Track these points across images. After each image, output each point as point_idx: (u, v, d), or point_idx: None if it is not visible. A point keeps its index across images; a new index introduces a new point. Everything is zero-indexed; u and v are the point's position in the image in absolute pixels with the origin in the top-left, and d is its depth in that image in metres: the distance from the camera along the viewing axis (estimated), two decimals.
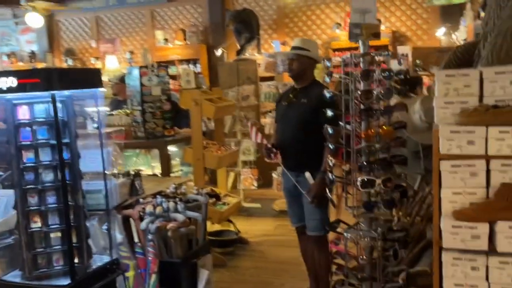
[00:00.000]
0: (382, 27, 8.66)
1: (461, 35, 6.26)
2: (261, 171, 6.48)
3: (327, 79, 2.29)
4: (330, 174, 2.39)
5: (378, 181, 2.14)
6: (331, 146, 2.36)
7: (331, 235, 2.81)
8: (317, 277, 3.61)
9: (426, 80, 5.64)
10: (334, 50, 8.69)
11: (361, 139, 2.24)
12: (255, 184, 6.45)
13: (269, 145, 3.59)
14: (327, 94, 2.29)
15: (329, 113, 2.32)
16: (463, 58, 2.61)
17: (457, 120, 1.82)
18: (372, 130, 2.17)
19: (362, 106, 2.23)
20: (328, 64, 2.32)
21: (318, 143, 3.43)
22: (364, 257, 2.27)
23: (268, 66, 6.14)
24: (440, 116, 1.90)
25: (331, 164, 2.37)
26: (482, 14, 5.87)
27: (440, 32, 7.69)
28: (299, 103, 3.52)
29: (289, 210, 3.74)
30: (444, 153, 1.81)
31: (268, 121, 6.31)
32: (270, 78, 7.59)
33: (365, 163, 2.19)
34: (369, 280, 2.26)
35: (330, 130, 2.37)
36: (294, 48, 3.54)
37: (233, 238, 4.99)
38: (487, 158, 1.78)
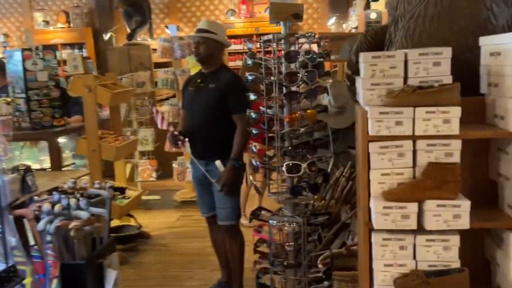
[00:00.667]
0: None
1: (353, 23, 6.52)
2: (160, 162, 6.24)
3: (249, 62, 2.18)
4: (253, 160, 2.30)
5: (304, 165, 2.09)
6: (254, 131, 2.25)
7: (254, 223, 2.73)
8: (229, 267, 3.53)
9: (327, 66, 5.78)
10: (230, 37, 8.64)
11: (283, 123, 2.17)
12: (154, 175, 6.19)
13: (175, 132, 3.42)
14: (249, 77, 2.18)
15: (252, 97, 2.21)
16: (373, 42, 2.65)
17: (384, 101, 1.82)
18: (297, 114, 2.11)
19: (284, 89, 2.16)
20: (250, 46, 2.20)
21: (228, 129, 3.34)
22: (289, 243, 2.22)
23: (165, 51, 5.87)
24: (367, 98, 1.89)
25: (255, 150, 2.27)
26: (373, 3, 6.16)
27: (331, 21, 7.97)
28: (207, 88, 3.39)
29: (199, 200, 3.60)
30: (373, 134, 1.80)
31: (166, 109, 6.05)
32: (165, 65, 7.31)
33: (290, 147, 2.13)
34: (294, 266, 2.22)
35: (253, 115, 2.26)
36: (200, 30, 3.38)
37: (135, 233, 4.74)
38: (414, 139, 1.80)
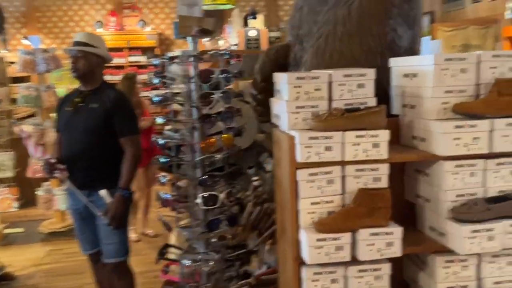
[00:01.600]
0: (148, 29, 8.42)
1: (233, 40, 6.46)
2: (22, 189, 5.51)
3: (156, 81, 1.90)
4: (161, 193, 2.01)
5: (221, 195, 1.87)
6: (162, 160, 1.97)
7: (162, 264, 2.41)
8: None
9: None
10: None
11: (194, 149, 1.93)
12: (15, 205, 5.43)
13: (52, 160, 2.96)
14: (155, 98, 1.91)
15: (159, 120, 1.94)
16: (276, 60, 2.55)
17: (312, 126, 1.69)
18: (212, 139, 1.89)
19: (195, 112, 1.93)
20: (156, 62, 1.92)
21: (114, 154, 3.00)
22: (206, 285, 1.98)
23: (26, 64, 5.20)
24: (292, 122, 1.75)
25: (164, 180, 1.99)
26: (252, 21, 6.17)
27: (205, 38, 7.85)
28: (88, 108, 3.00)
29: (80, 236, 3.16)
30: (303, 161, 1.66)
31: (29, 129, 5.36)
32: (23, 80, 6.55)
33: (206, 176, 1.89)
34: None
35: (160, 140, 1.98)
36: (78, 43, 3.00)
37: None
38: (343, 164, 1.70)
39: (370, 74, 1.77)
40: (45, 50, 5.53)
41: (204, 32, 1.90)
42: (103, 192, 2.88)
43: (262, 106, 2.55)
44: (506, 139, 1.70)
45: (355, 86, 1.76)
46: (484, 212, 1.69)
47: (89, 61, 2.99)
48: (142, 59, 8.46)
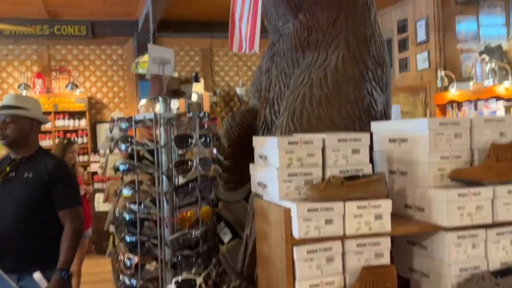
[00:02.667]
0: (77, 92, 8.04)
1: (173, 105, 6.29)
2: None
3: (123, 147, 1.64)
4: (125, 278, 1.69)
5: (199, 279, 1.60)
6: (128, 238, 1.68)
7: None
8: None
9: None
10: None
11: (163, 225, 1.67)
12: None
13: None
14: (121, 166, 1.64)
15: (126, 191, 1.67)
16: (244, 124, 2.39)
17: (309, 196, 1.51)
18: (189, 213, 1.64)
19: (165, 183, 1.68)
20: (124, 126, 1.67)
21: (52, 229, 2.65)
22: None
23: None
24: (283, 191, 1.56)
25: (129, 264, 1.68)
26: (194, 85, 6.06)
27: (141, 102, 7.61)
28: (21, 179, 2.68)
29: None
30: (301, 237, 1.46)
31: None
32: None
33: (180, 257, 1.62)
34: None
35: (127, 216, 1.70)
36: (6, 107, 2.70)
37: None
38: (344, 239, 1.52)
39: (365, 139, 1.64)
40: None
41: (177, 93, 1.70)
42: (37, 275, 2.53)
43: (229, 173, 2.35)
44: (508, 208, 1.62)
45: (350, 151, 1.62)
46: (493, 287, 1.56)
47: (20, 126, 2.70)
48: (70, 123, 8.01)
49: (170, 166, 1.62)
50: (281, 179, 1.56)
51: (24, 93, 7.73)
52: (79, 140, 7.88)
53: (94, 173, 7.53)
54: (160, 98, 1.70)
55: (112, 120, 1.70)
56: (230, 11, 2.24)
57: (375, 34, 2.26)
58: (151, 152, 1.70)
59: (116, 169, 1.61)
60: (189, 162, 1.60)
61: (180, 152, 1.66)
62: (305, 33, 2.27)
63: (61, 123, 7.94)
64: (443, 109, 6.53)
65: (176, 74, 5.76)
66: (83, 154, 7.93)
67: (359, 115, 2.08)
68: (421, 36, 7.21)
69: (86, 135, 8.03)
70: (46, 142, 7.80)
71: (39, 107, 2.99)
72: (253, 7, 2.13)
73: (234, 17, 2.25)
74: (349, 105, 2.07)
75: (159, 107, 1.89)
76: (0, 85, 8.08)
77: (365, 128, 2.06)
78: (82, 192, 4.29)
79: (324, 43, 2.21)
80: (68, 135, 7.91)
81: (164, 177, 1.67)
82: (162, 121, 1.66)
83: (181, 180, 1.72)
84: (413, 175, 1.72)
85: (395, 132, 1.82)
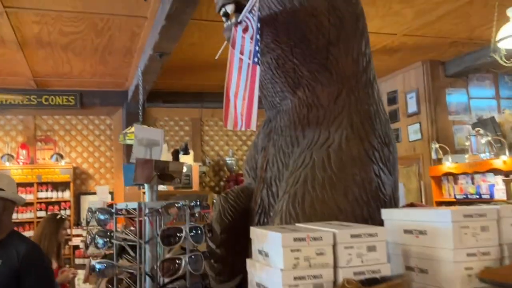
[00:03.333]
0: (62, 163, 7.81)
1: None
2: None
3: (101, 242, 1.40)
4: None
5: None
6: None
7: None
8: None
9: None
10: None
11: None
12: None
13: None
14: (97, 265, 1.40)
15: None
16: (238, 207, 2.17)
17: None
18: None
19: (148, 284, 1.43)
20: (102, 217, 1.44)
21: None
22: None
23: None
24: None
25: None
26: (184, 157, 5.86)
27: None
28: None
29: None
30: None
31: None
32: None
33: None
34: None
35: None
36: None
37: None
38: None
39: (382, 234, 1.43)
40: None
41: (166, 178, 1.50)
42: None
43: (222, 264, 2.11)
44: None
45: (365, 249, 1.40)
46: None
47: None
48: (53, 194, 7.71)
49: (155, 266, 1.39)
50: (286, 283, 1.33)
51: (7, 164, 7.49)
52: (62, 212, 7.55)
53: (76, 247, 7.15)
54: (146, 185, 1.49)
55: (90, 210, 1.48)
56: (224, 86, 2.09)
57: (379, 112, 2.11)
58: (133, 246, 1.46)
59: (92, 270, 1.37)
60: (177, 260, 1.37)
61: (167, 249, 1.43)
62: (305, 110, 2.12)
63: (44, 194, 7.65)
64: (438, 181, 6.39)
65: (165, 149, 5.56)
66: None
67: (367, 200, 1.88)
68: (412, 108, 7.21)
69: (70, 207, 7.72)
70: (28, 215, 7.47)
71: (14, 186, 2.78)
72: (249, 84, 1.99)
73: (228, 93, 2.10)
74: (356, 189, 1.88)
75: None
76: None
77: (374, 214, 1.86)
78: (64, 278, 3.94)
79: (326, 121, 2.05)
80: (50, 207, 7.60)
81: (147, 277, 1.43)
82: (147, 211, 1.44)
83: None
84: (436, 274, 1.49)
85: (411, 222, 1.61)
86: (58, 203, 7.72)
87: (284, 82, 2.17)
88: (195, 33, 5.52)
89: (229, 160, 8.59)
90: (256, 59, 1.95)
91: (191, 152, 6.44)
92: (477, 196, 5.63)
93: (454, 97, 7.08)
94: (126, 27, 5.31)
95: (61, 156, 7.84)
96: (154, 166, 1.47)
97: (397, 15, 5.12)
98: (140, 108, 6.07)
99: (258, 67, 1.95)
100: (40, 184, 7.63)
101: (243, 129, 2.04)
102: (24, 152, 7.70)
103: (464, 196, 5.87)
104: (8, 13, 4.77)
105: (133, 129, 5.89)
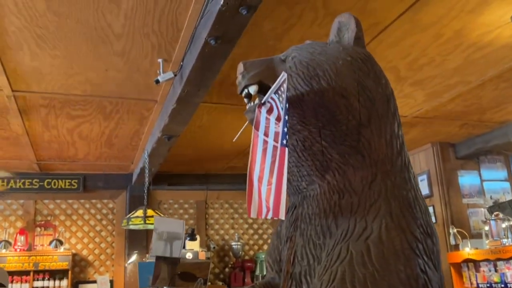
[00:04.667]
0: (61, 249, 7.48)
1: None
2: None
3: None
4: None
5: None
6: None
7: None
8: None
9: None
10: None
11: None
12: None
13: None
14: None
15: None
16: None
17: None
18: None
19: None
20: None
21: None
22: None
23: None
24: None
25: None
26: (190, 243, 5.57)
27: (132, 258, 7.04)
28: None
29: None
30: None
31: None
32: None
33: None
34: None
35: None
36: None
37: None
38: None
39: None
40: None
41: (189, 278, 1.29)
42: None
43: None
44: None
45: None
46: None
47: None
48: (50, 284, 7.30)
49: None
50: None
51: (3, 251, 7.17)
52: None
53: None
54: None
55: None
56: (247, 171, 1.92)
57: (418, 198, 1.92)
58: None
59: None
60: None
61: None
62: (336, 196, 1.93)
63: (40, 284, 7.23)
64: (458, 268, 6.03)
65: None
66: None
67: None
68: (424, 191, 7.01)
69: None
70: None
71: (6, 277, 2.53)
72: (277, 168, 1.82)
73: (252, 178, 1.93)
74: (401, 287, 1.64)
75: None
76: None
77: None
78: None
79: (361, 209, 1.86)
80: None
81: None
82: None
83: None
84: None
85: None
86: None
87: (312, 165, 2.00)
88: (203, 115, 5.47)
89: (234, 245, 8.25)
90: (284, 141, 1.80)
91: (198, 238, 6.16)
92: (503, 285, 5.27)
93: (467, 179, 6.91)
94: (135, 110, 5.26)
95: (61, 242, 7.52)
96: (176, 265, 1.26)
97: (408, 97, 5.09)
98: (145, 191, 5.88)
99: (287, 150, 1.79)
100: (37, 272, 7.24)
101: (268, 217, 1.84)
102: (22, 238, 7.39)
103: (488, 285, 5.51)
104: (16, 97, 4.74)
105: (137, 213, 5.69)
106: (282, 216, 1.75)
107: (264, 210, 1.87)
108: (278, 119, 1.90)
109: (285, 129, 1.81)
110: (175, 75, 4.02)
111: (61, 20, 3.42)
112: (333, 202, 1.93)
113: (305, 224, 2.01)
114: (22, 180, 7.41)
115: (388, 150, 1.97)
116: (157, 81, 4.03)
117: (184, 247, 5.34)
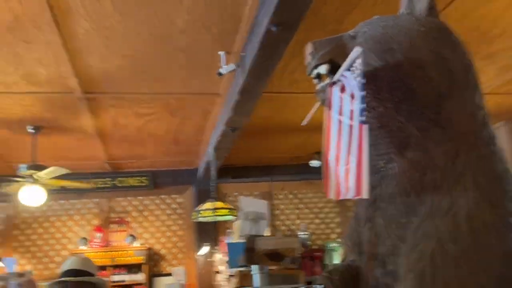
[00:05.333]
0: (136, 244, 7.78)
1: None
2: None
3: None
4: None
5: None
6: None
7: None
8: None
9: None
10: None
11: None
12: None
13: None
14: None
15: None
16: (343, 284, 1.90)
17: None
18: None
19: None
20: None
21: None
22: None
23: None
24: None
25: None
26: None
27: (203, 250, 7.21)
28: None
29: None
30: None
31: None
32: None
33: None
34: None
35: None
36: (79, 272, 2.35)
37: None
38: None
39: None
40: (20, 274, 4.77)
41: (276, 258, 1.28)
42: None
43: None
44: None
45: None
46: None
47: None
48: (126, 277, 7.61)
49: None
50: None
51: (81, 248, 7.55)
52: None
53: None
54: (254, 268, 1.27)
55: None
56: (322, 153, 1.89)
57: (507, 170, 1.82)
58: None
59: None
60: None
61: None
62: (418, 174, 1.86)
63: (118, 278, 7.56)
64: None
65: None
66: None
67: (510, 278, 1.56)
68: None
69: None
70: None
71: (94, 267, 2.66)
72: (357, 146, 1.78)
73: (327, 159, 1.89)
74: (497, 263, 1.56)
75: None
76: (59, 240, 7.96)
77: None
78: None
79: (446, 184, 1.78)
80: None
81: None
82: None
83: None
84: None
85: None
86: (130, 286, 7.59)
87: (389, 142, 1.94)
88: (265, 105, 5.48)
89: (302, 234, 8.23)
90: (362, 118, 1.75)
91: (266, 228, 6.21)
92: None
93: None
94: (198, 105, 5.35)
95: (134, 238, 7.82)
96: (264, 243, 1.25)
97: (479, 73, 4.84)
98: (213, 184, 5.98)
99: (365, 126, 1.75)
100: (114, 267, 7.58)
101: (349, 197, 1.81)
102: (99, 234, 7.76)
103: None
104: (87, 99, 4.95)
105: (206, 205, 5.81)
106: (365, 194, 1.71)
107: (343, 190, 1.84)
108: (352, 96, 1.86)
109: (362, 105, 1.76)
110: (238, 67, 4.04)
111: (127, 20, 3.53)
112: (415, 179, 1.86)
113: (385, 204, 1.95)
114: (96, 180, 7.76)
115: (472, 122, 1.87)
116: (220, 74, 4.07)
117: None
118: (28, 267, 7.32)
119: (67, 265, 2.39)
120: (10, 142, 6.13)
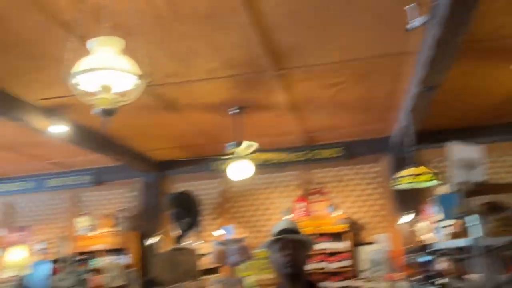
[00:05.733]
0: (336, 214, 7.95)
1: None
2: None
3: None
4: None
5: None
6: None
7: None
8: None
9: None
10: None
11: None
12: None
13: None
14: None
15: None
16: None
17: None
18: None
19: None
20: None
21: None
22: None
23: (220, 255, 4.93)
24: None
25: None
26: None
27: (404, 219, 7.01)
28: None
29: None
30: None
31: None
32: (213, 271, 6.33)
33: None
34: None
35: None
36: (287, 231, 2.48)
37: None
38: None
39: None
40: (237, 240, 5.29)
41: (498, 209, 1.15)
42: None
43: None
44: None
45: None
46: None
47: (304, 254, 2.46)
48: (330, 246, 7.82)
49: None
50: None
51: (286, 217, 8.02)
52: (338, 264, 7.66)
53: None
54: (472, 217, 1.17)
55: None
56: None
57: None
58: None
59: None
60: None
61: None
62: None
63: (322, 246, 7.83)
64: None
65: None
66: (345, 278, 7.57)
67: None
68: None
69: (348, 258, 7.69)
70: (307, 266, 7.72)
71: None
72: None
73: None
74: None
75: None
76: (266, 211, 8.58)
77: None
78: None
79: None
80: (329, 258, 7.73)
81: None
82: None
83: None
84: None
85: None
86: (333, 254, 7.78)
87: None
88: (465, 58, 4.99)
89: None
90: None
91: None
92: None
93: None
94: (387, 67, 5.15)
95: (335, 207, 8.01)
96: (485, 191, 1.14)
97: None
98: (411, 150, 5.73)
99: None
100: (319, 235, 7.85)
101: None
102: (300, 205, 8.14)
103: None
104: (281, 75, 5.17)
105: (404, 172, 5.61)
106: None
107: None
108: None
109: None
110: (431, 17, 3.75)
111: None
112: None
113: None
114: (294, 153, 8.12)
115: None
116: (410, 29, 3.83)
117: None
118: (243, 235, 8.05)
119: (280, 226, 2.54)
120: (216, 124, 6.77)
